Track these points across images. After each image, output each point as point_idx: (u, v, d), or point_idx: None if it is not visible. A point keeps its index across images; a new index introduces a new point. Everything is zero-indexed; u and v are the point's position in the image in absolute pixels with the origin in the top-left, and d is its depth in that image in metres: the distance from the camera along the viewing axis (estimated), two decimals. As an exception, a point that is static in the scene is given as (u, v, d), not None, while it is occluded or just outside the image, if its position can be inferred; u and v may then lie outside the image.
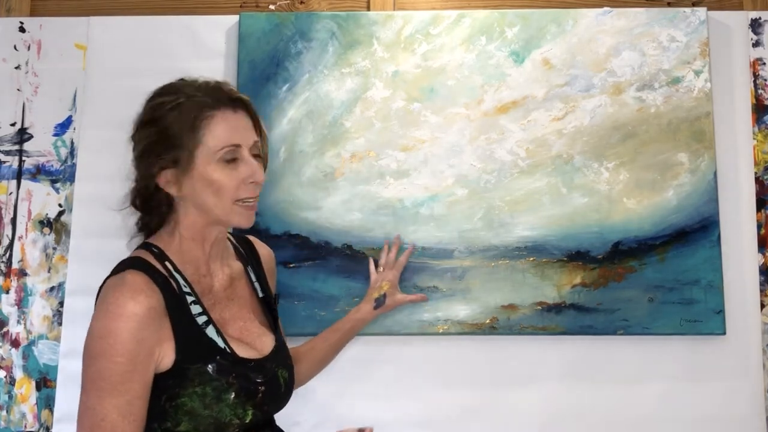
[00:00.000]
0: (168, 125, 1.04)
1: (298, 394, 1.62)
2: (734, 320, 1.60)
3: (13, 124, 1.74)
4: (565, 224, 1.63)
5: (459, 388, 1.61)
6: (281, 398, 1.15)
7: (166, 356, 0.99)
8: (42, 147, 1.73)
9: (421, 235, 1.63)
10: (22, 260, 1.69)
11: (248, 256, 1.28)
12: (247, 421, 1.05)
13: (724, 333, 1.58)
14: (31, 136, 1.74)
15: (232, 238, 1.28)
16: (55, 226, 1.70)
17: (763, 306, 1.64)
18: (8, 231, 1.70)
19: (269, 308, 1.25)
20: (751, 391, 1.60)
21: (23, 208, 1.71)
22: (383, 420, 1.61)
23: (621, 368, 1.61)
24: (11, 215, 1.71)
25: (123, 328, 0.94)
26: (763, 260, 1.66)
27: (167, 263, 1.06)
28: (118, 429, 0.94)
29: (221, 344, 1.05)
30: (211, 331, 1.05)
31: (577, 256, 1.61)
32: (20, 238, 1.70)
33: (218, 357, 1.03)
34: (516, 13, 1.70)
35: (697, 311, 1.58)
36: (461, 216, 1.64)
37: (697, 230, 1.61)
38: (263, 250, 1.35)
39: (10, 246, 1.70)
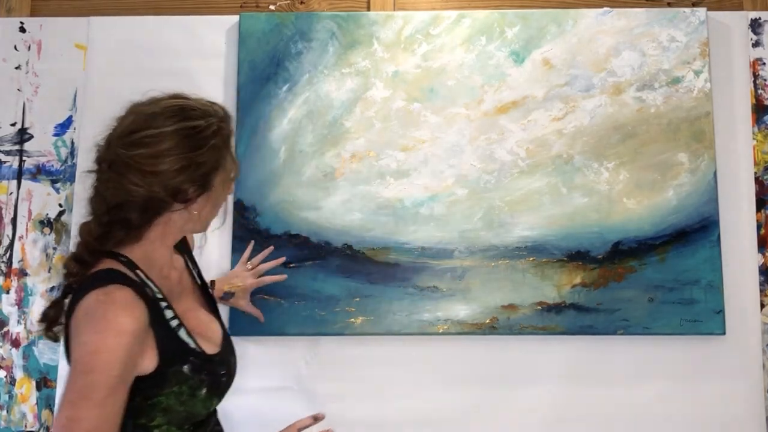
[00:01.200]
0: (209, 150, 1.08)
1: (298, 394, 1.63)
2: (734, 320, 1.60)
3: (13, 124, 1.74)
4: (565, 224, 1.63)
5: (459, 388, 1.61)
6: (232, 383, 1.20)
7: (148, 363, 1.03)
8: (42, 147, 1.73)
9: (421, 235, 1.63)
10: (22, 260, 1.69)
11: (182, 244, 1.29)
12: (212, 410, 1.14)
13: (724, 333, 1.58)
14: (32, 136, 1.74)
15: None
16: (55, 226, 1.70)
17: (763, 306, 1.64)
18: (8, 231, 1.70)
19: (208, 293, 1.29)
20: (751, 391, 1.60)
21: (23, 208, 1.71)
22: (383, 420, 1.61)
23: (621, 368, 1.61)
24: (11, 215, 1.71)
25: (118, 344, 0.97)
26: (763, 260, 1.66)
27: (138, 272, 1.08)
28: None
29: (192, 344, 1.09)
30: (183, 333, 1.08)
31: (577, 256, 1.61)
32: (20, 238, 1.70)
33: (191, 357, 1.07)
34: (516, 13, 1.70)
35: (697, 311, 1.58)
36: (461, 216, 1.64)
37: (697, 230, 1.61)
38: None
39: (11, 246, 1.70)
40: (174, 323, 1.08)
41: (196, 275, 1.28)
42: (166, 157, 1.05)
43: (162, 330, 1.05)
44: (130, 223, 1.06)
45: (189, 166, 1.06)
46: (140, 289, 1.04)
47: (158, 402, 1.04)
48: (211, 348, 1.13)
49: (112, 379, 0.95)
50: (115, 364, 0.96)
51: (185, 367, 1.06)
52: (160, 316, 1.06)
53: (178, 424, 1.08)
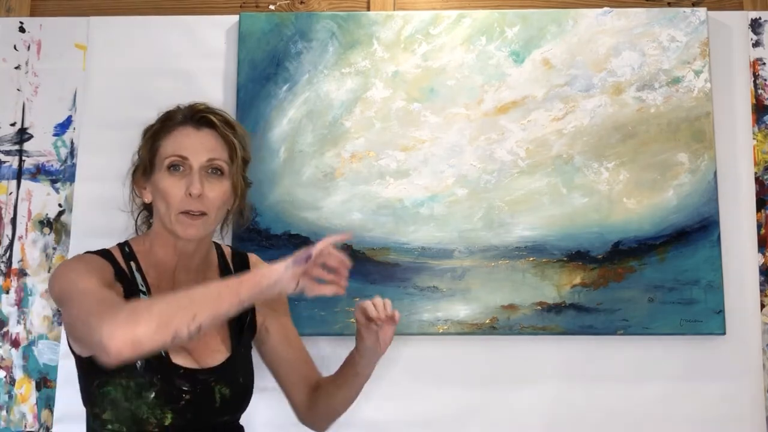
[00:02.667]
0: (149, 138, 1.20)
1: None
2: (734, 320, 1.60)
3: (13, 124, 1.74)
4: (565, 224, 1.62)
5: (459, 388, 1.61)
6: (214, 412, 1.15)
7: None
8: (42, 147, 1.73)
9: (421, 235, 1.63)
10: (22, 260, 1.69)
11: (236, 272, 1.26)
12: (166, 424, 1.09)
13: (724, 333, 1.58)
14: (31, 136, 1.74)
15: (226, 254, 1.31)
16: (55, 226, 1.70)
17: (763, 306, 1.64)
18: (8, 231, 1.70)
19: (239, 326, 1.24)
20: (751, 391, 1.60)
21: (23, 208, 1.71)
22: (383, 420, 1.61)
23: (621, 368, 1.61)
24: (11, 215, 1.71)
25: (78, 269, 1.07)
26: (763, 260, 1.66)
27: (132, 263, 1.14)
28: (106, 293, 1.02)
29: None
30: None
31: (577, 256, 1.61)
32: (20, 238, 1.70)
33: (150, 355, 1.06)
34: (516, 13, 1.70)
35: (697, 311, 1.58)
36: (461, 216, 1.64)
37: (697, 230, 1.61)
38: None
39: (10, 246, 1.70)
40: None
41: None
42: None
43: None
44: (144, 209, 1.25)
45: (139, 155, 1.22)
46: (119, 269, 1.12)
47: (107, 392, 1.07)
48: (184, 361, 1.11)
49: (87, 282, 1.02)
50: (85, 275, 1.04)
51: (138, 363, 1.06)
52: (135, 298, 1.10)
53: (127, 426, 1.08)
